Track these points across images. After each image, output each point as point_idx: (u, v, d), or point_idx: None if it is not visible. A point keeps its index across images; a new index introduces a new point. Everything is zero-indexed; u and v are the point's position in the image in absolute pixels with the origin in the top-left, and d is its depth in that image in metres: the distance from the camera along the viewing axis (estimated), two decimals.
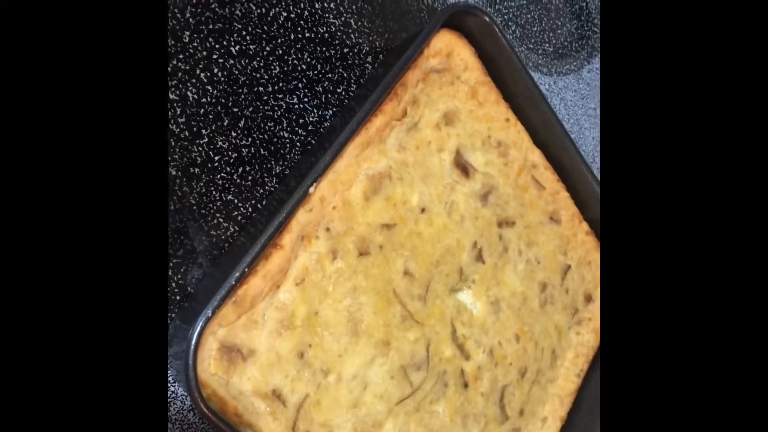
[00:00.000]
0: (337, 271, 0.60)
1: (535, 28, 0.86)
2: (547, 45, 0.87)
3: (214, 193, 0.59)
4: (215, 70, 0.59)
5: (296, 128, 0.64)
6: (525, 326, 0.73)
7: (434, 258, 0.66)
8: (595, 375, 0.78)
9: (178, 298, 0.57)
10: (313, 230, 0.59)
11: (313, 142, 0.65)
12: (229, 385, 0.54)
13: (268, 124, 0.62)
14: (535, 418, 0.74)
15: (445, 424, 0.65)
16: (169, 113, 0.56)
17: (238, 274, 0.50)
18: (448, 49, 0.68)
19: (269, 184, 0.62)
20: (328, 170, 0.59)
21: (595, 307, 0.79)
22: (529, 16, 0.86)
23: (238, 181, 0.61)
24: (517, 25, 0.85)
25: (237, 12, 0.61)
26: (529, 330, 0.73)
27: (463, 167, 0.69)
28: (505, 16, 0.84)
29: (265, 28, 0.62)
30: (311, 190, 0.55)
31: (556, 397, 0.76)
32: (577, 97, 0.91)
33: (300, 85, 0.64)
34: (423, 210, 0.65)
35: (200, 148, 0.59)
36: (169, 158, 0.55)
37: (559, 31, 0.89)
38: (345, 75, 0.67)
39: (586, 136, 0.91)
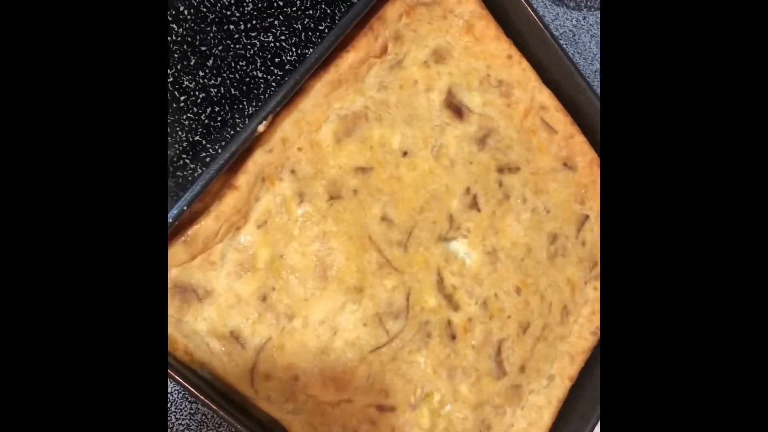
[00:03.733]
0: (304, 214, 0.58)
1: None
2: None
3: (180, 134, 0.59)
4: (181, 8, 0.58)
5: (271, 67, 0.62)
6: (528, 278, 0.68)
7: (417, 204, 0.62)
8: None
9: None
10: (276, 172, 0.57)
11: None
12: (182, 324, 0.55)
13: (240, 63, 0.61)
14: (540, 375, 0.69)
15: (426, 375, 0.62)
16: None
17: (176, 212, 0.50)
18: None
19: (240, 125, 0.61)
20: (291, 109, 0.57)
21: None
22: None
23: (206, 121, 0.60)
24: None
25: None
26: (533, 283, 0.68)
27: (456, 108, 0.65)
28: None
29: None
30: (260, 128, 0.53)
31: (566, 355, 0.71)
32: None
33: (276, 22, 0.62)
34: (405, 153, 0.62)
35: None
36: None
37: None
38: (328, 11, 0.65)
39: None
